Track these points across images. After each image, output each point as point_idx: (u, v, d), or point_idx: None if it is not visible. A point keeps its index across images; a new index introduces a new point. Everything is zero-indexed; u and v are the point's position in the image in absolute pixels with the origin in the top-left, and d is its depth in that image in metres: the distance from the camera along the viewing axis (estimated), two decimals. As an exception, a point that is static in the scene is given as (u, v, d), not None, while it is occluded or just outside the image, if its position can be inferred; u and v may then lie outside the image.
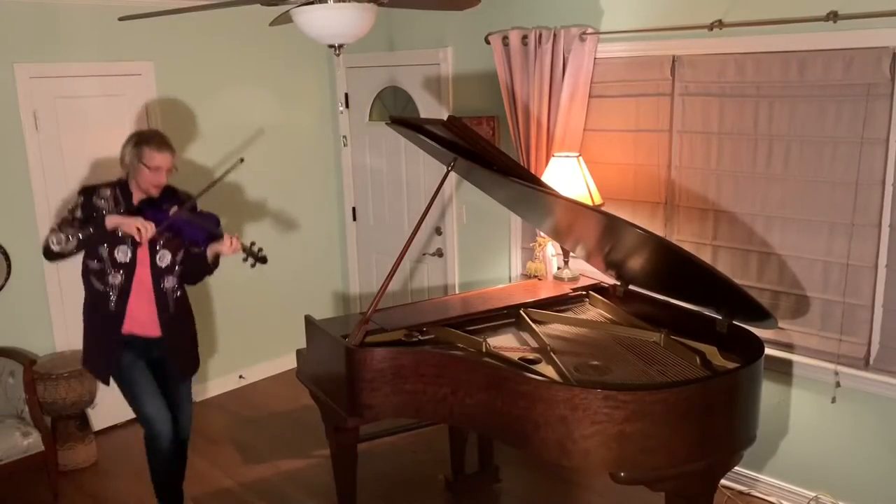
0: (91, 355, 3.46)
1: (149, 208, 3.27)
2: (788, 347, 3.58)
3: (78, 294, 4.46)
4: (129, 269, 3.29)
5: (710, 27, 3.48)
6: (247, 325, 5.29)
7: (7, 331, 4.22)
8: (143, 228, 3.13)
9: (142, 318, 3.36)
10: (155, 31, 4.49)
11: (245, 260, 3.35)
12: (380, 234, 5.50)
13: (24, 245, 4.24)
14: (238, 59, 5.01)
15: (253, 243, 3.38)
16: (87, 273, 3.33)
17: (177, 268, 3.42)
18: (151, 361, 3.44)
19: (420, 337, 3.18)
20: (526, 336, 3.25)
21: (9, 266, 4.19)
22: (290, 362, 4.20)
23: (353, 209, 5.64)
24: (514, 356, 2.98)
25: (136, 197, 3.30)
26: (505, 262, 4.69)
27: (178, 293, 3.47)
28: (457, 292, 4.88)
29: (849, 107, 3.24)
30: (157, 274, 3.36)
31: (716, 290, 2.98)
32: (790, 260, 3.53)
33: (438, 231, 5.05)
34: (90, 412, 4.44)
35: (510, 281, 4.63)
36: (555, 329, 3.34)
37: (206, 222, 3.36)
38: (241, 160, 3.57)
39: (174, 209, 3.27)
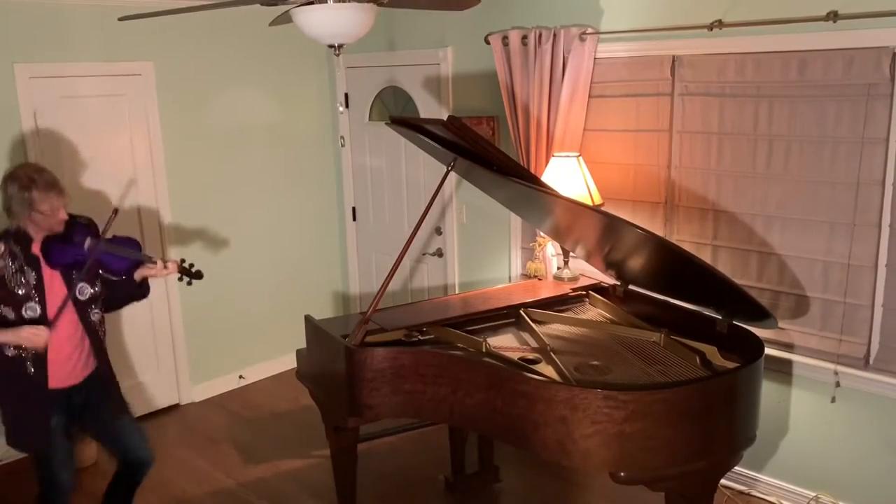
0: (18, 432, 3.06)
1: (58, 245, 2.93)
2: (788, 347, 3.58)
3: (78, 294, 4.49)
4: (43, 322, 2.92)
5: (710, 27, 3.48)
6: (247, 325, 5.29)
7: (7, 331, 4.21)
8: (37, 336, 2.86)
9: (66, 368, 3.06)
10: (155, 31, 4.49)
11: (181, 279, 3.22)
12: (380, 234, 5.50)
13: (24, 245, 4.23)
14: (238, 59, 5.02)
15: (183, 260, 3.26)
16: None
17: (99, 296, 3.15)
18: (72, 412, 3.11)
19: (420, 337, 3.18)
20: (526, 336, 3.25)
21: (9, 266, 4.18)
22: (290, 362, 4.20)
23: (353, 209, 5.64)
24: (514, 356, 2.98)
25: (39, 237, 2.94)
26: (505, 262, 4.69)
27: (104, 324, 3.21)
28: (457, 292, 4.88)
29: (849, 107, 3.24)
30: (82, 309, 3.06)
31: (716, 289, 2.98)
32: (790, 260, 3.53)
33: (438, 231, 5.05)
34: (90, 412, 4.43)
35: (510, 281, 4.63)
36: (555, 329, 3.34)
37: (129, 249, 3.12)
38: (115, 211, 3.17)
39: (88, 242, 2.97)
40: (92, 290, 3.11)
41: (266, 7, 2.99)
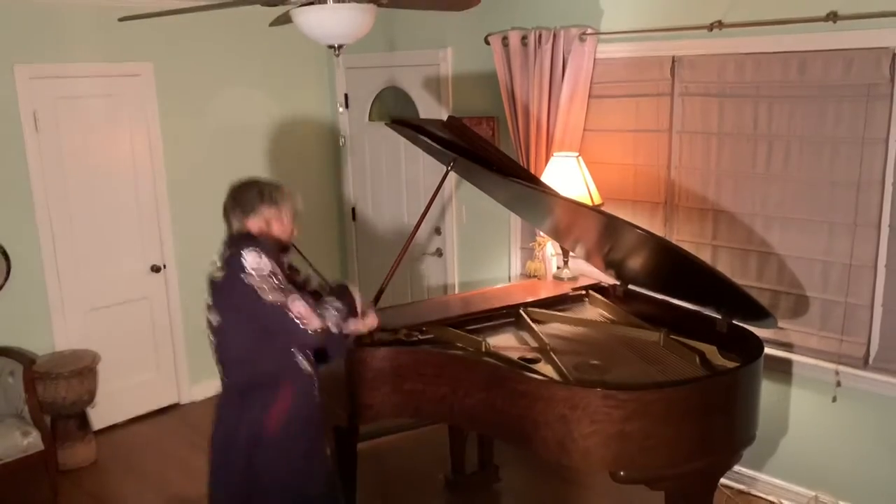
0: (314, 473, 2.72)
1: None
2: (788, 347, 3.58)
3: (78, 293, 4.51)
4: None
5: (710, 27, 3.48)
6: (247, 325, 5.28)
7: (7, 330, 4.22)
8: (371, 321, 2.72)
9: None
10: (155, 31, 4.49)
11: None
12: (380, 233, 5.50)
13: (24, 245, 4.24)
14: (238, 59, 5.02)
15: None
16: (286, 357, 2.59)
17: None
18: None
19: (420, 336, 3.17)
20: (526, 336, 3.25)
21: (8, 266, 4.18)
22: (289, 362, 4.19)
23: (353, 209, 5.64)
24: (514, 356, 2.98)
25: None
26: (505, 261, 4.69)
27: None
28: (456, 292, 4.88)
29: (849, 107, 3.24)
30: None
31: (715, 289, 2.98)
32: (790, 260, 3.53)
33: (438, 231, 5.05)
34: (90, 411, 4.43)
35: (510, 281, 4.63)
36: (554, 329, 3.34)
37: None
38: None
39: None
40: None
41: (266, 7, 2.99)
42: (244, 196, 2.62)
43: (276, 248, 2.60)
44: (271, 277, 2.43)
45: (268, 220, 2.61)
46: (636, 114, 3.93)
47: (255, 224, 2.59)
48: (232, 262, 2.47)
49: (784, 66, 3.36)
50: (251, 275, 2.42)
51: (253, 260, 2.42)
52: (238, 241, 2.53)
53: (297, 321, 2.43)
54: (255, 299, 2.43)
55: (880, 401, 3.34)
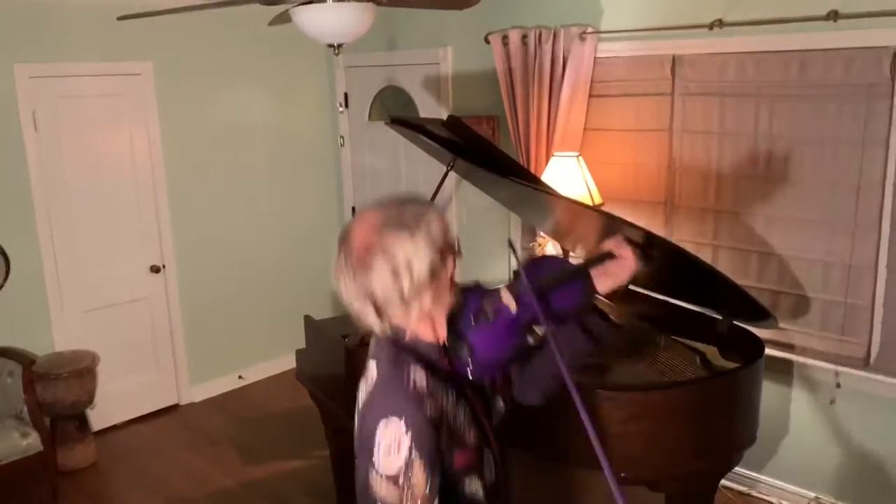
0: None
1: (475, 338, 1.60)
2: (789, 348, 3.57)
3: (77, 293, 4.50)
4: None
5: (711, 27, 3.48)
6: (246, 325, 5.29)
7: (6, 331, 4.21)
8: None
9: None
10: (155, 31, 4.48)
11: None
12: (380, 234, 5.49)
13: (24, 245, 4.24)
14: (238, 59, 5.01)
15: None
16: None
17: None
18: None
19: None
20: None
21: (8, 266, 4.18)
22: (289, 362, 4.19)
23: (353, 209, 5.63)
24: (514, 356, 2.97)
25: (435, 339, 1.62)
26: (505, 262, 4.69)
27: None
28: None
29: (849, 107, 3.23)
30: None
31: (716, 290, 2.97)
32: (790, 260, 3.52)
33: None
34: (89, 412, 4.43)
35: (510, 281, 4.62)
36: (555, 329, 3.33)
37: (563, 272, 1.82)
38: None
39: (506, 296, 1.62)
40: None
41: (266, 7, 2.98)
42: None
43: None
44: (398, 480, 1.50)
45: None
46: (637, 113, 3.92)
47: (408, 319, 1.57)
48: (367, 421, 1.58)
49: (785, 65, 3.35)
50: (378, 462, 1.53)
51: (390, 441, 1.52)
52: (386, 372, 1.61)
53: None
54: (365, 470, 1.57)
55: (880, 402, 3.33)
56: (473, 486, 1.70)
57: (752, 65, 3.45)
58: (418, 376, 1.57)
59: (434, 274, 1.52)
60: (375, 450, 1.53)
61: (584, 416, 1.42)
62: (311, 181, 5.56)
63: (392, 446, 1.51)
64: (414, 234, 1.51)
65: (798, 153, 3.41)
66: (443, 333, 1.61)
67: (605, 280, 1.84)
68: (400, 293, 1.51)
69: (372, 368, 1.63)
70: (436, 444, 1.54)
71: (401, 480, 1.50)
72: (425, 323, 1.58)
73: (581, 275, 1.81)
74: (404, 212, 1.55)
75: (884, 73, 3.09)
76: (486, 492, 1.75)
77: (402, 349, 1.60)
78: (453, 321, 1.62)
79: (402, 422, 1.51)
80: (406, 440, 1.50)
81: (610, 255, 1.86)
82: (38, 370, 4.05)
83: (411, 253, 1.50)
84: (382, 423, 1.53)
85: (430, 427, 1.53)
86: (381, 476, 1.52)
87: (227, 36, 4.92)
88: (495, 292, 1.66)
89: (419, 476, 1.51)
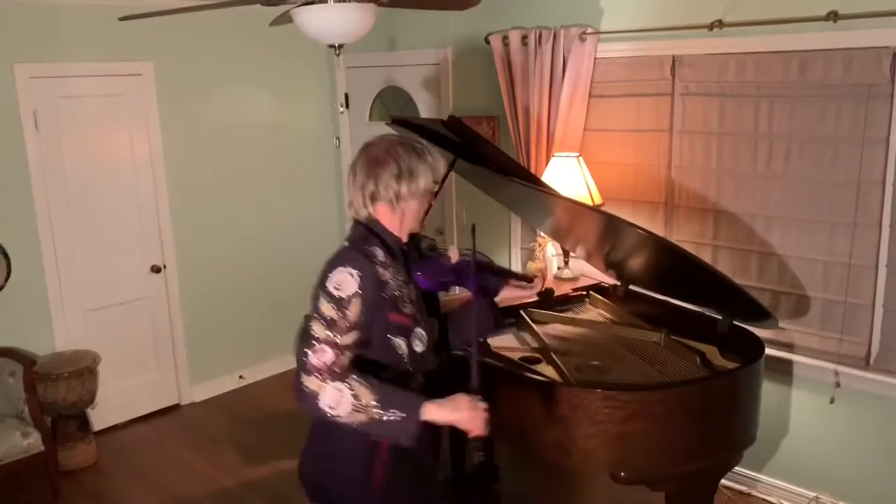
0: None
1: (426, 266, 2.26)
2: (789, 347, 3.57)
3: (78, 293, 4.50)
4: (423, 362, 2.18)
5: (711, 27, 3.48)
6: (247, 325, 5.29)
7: (7, 331, 4.21)
8: (476, 412, 2.04)
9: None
10: (155, 31, 4.48)
11: None
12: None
13: (24, 245, 4.24)
14: (238, 59, 5.01)
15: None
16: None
17: None
18: None
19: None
20: (526, 336, 3.25)
21: (8, 266, 4.18)
22: (289, 362, 4.19)
23: (353, 209, 5.63)
24: (515, 356, 2.98)
25: (400, 237, 2.16)
26: (505, 262, 4.69)
27: None
28: (457, 291, 4.87)
29: (849, 107, 3.24)
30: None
31: (716, 290, 2.98)
32: (790, 260, 3.53)
33: (440, 231, 5.05)
34: (90, 412, 4.43)
35: (510, 281, 4.62)
36: (555, 329, 3.33)
37: (497, 267, 2.60)
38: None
39: (453, 251, 2.38)
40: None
41: (266, 7, 2.99)
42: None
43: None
44: (339, 305, 1.95)
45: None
46: (636, 113, 3.92)
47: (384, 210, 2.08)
48: (325, 270, 2.02)
49: (784, 65, 3.36)
50: (329, 288, 1.97)
51: (341, 278, 1.97)
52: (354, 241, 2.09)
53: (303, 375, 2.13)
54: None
55: (880, 401, 3.33)
56: (403, 349, 2.09)
57: (751, 65, 3.46)
58: (379, 252, 2.05)
59: (424, 193, 2.09)
60: (327, 282, 1.96)
61: (474, 370, 2.06)
62: (311, 181, 5.57)
63: (343, 281, 1.95)
64: (422, 156, 2.08)
65: (798, 153, 3.42)
66: (405, 237, 2.15)
67: (513, 291, 2.51)
68: (396, 193, 2.04)
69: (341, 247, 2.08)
70: (378, 294, 2.00)
71: (342, 304, 1.94)
72: (396, 225, 2.10)
73: (504, 275, 2.53)
74: (418, 142, 2.12)
75: (883, 73, 3.09)
76: (414, 361, 2.12)
77: (372, 233, 2.09)
78: (418, 248, 2.28)
79: (356, 270, 1.96)
80: (356, 279, 1.95)
81: (528, 280, 2.57)
82: (39, 370, 4.05)
83: (416, 167, 2.05)
84: (339, 268, 1.98)
85: (377, 279, 2.00)
86: (328, 301, 1.95)
87: (227, 36, 4.92)
88: (451, 246, 2.36)
89: (356, 309, 1.95)
